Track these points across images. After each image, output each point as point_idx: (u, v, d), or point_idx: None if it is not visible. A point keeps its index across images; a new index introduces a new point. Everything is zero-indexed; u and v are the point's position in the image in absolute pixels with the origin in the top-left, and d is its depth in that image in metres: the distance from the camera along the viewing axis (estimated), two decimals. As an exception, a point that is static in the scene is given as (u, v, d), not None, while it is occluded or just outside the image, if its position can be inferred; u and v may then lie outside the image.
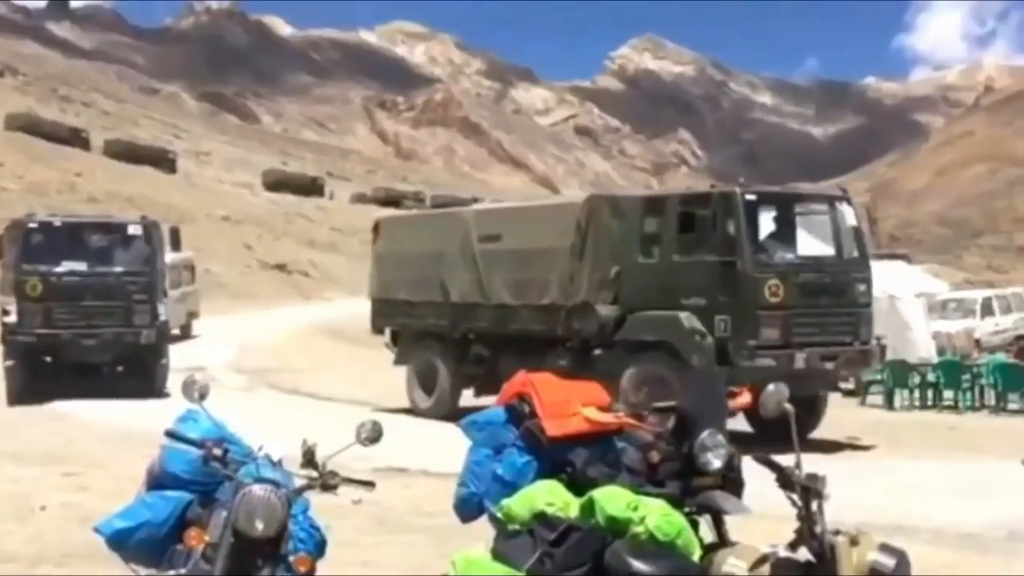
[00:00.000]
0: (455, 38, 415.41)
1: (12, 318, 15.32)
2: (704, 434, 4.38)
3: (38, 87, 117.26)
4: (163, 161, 76.24)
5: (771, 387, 3.92)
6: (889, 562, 3.50)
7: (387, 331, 16.61)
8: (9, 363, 15.83)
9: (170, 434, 4.12)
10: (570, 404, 4.73)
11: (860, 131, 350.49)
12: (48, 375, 15.97)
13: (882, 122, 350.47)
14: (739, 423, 7.03)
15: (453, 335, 15.01)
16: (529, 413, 4.74)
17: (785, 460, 3.72)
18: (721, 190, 12.47)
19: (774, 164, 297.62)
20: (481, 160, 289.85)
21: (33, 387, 15.47)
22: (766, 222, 12.49)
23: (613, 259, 13.02)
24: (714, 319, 11.77)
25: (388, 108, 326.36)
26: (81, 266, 16.03)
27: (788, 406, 3.87)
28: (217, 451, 3.93)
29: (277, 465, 4.05)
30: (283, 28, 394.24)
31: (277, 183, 78.25)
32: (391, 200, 76.06)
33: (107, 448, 11.47)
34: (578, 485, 4.37)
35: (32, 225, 16.26)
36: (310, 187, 79.82)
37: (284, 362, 22.87)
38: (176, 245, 20.23)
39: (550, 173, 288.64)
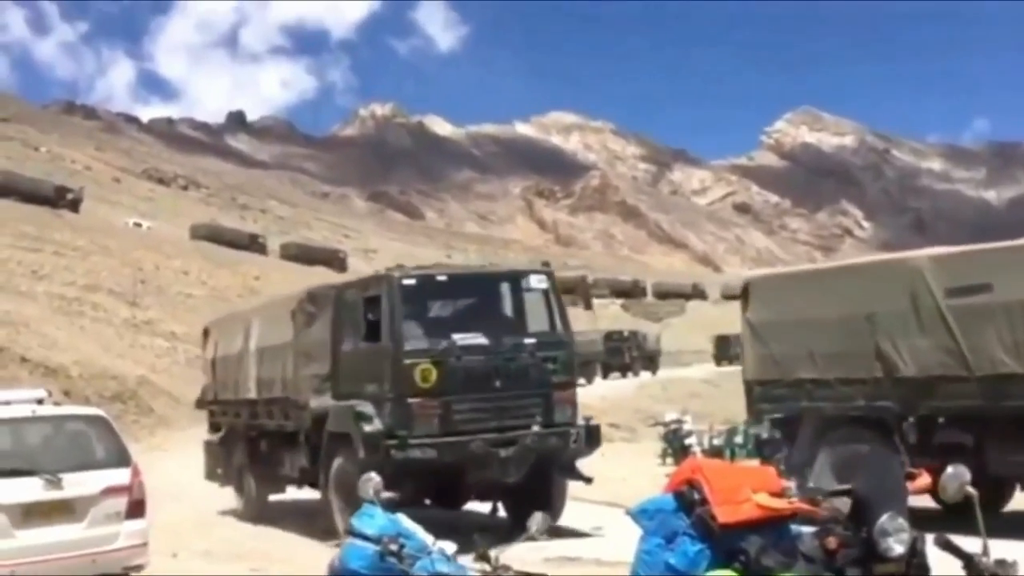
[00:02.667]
0: (609, 124, 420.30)
1: (373, 425, 11.01)
2: (884, 518, 4.21)
3: (219, 197, 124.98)
4: (334, 260, 79.58)
5: (951, 470, 3.76)
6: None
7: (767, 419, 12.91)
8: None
9: (349, 531, 4.26)
10: (741, 490, 4.63)
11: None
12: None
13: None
14: (924, 499, 6.64)
15: (905, 418, 11.40)
16: (699, 500, 4.66)
17: (972, 543, 3.55)
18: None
19: (946, 231, 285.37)
20: (640, 242, 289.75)
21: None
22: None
23: None
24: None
25: (546, 197, 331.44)
26: (479, 339, 11.38)
27: (971, 489, 3.70)
28: (393, 546, 4.04)
29: (451, 559, 4.13)
30: (442, 126, 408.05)
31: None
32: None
33: (290, 544, 11.84)
34: (752, 574, 4.27)
35: (408, 281, 11.50)
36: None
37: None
38: None
39: (710, 252, 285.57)
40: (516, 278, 12.51)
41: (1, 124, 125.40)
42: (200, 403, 17.02)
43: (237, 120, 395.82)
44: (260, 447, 14.23)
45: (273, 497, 14.83)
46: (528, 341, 11.63)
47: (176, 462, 20.37)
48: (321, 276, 69.43)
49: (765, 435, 8.03)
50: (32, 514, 7.73)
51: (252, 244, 76.72)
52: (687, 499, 4.69)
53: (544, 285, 12.14)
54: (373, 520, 4.38)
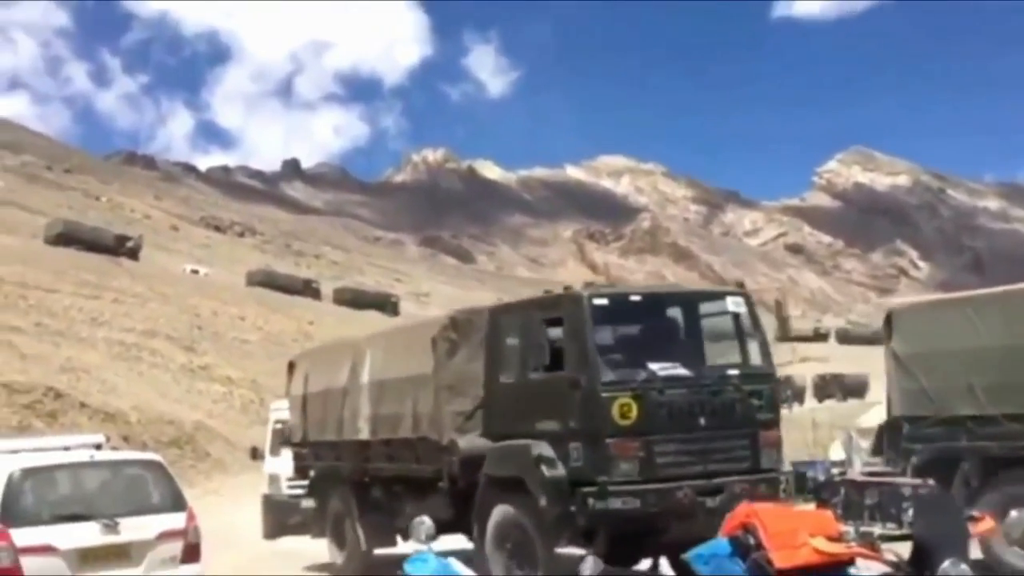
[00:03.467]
0: (660, 167, 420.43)
1: (556, 469, 9.49)
2: (946, 564, 4.12)
3: (274, 244, 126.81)
4: (387, 304, 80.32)
5: (1015, 514, 3.66)
6: None
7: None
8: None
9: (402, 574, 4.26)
10: (798, 534, 4.57)
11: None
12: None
13: None
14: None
15: None
16: (755, 545, 4.60)
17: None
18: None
19: (1004, 271, 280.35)
20: (692, 284, 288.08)
21: None
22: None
23: None
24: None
25: (597, 239, 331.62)
26: (679, 369, 9.91)
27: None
28: (446, 589, 4.03)
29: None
30: (493, 170, 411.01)
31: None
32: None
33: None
34: (811, 621, 4.18)
35: (600, 301, 9.94)
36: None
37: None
38: None
39: (763, 293, 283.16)
40: (714, 298, 10.93)
41: (64, 175, 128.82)
42: (290, 444, 14.90)
43: (292, 167, 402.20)
44: (371, 494, 12.51)
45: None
46: (732, 372, 10.06)
47: (231, 506, 20.53)
48: (374, 320, 70.13)
49: (822, 477, 7.22)
50: (89, 559, 7.82)
51: (306, 289, 77.66)
52: (742, 543, 4.63)
53: (742, 309, 10.49)
54: (426, 564, 4.38)
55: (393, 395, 11.64)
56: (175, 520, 8.32)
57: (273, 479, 16.24)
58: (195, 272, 77.58)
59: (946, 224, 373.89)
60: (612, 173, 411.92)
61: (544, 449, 9.49)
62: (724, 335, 10.57)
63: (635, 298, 10.70)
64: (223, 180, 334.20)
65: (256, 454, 17.05)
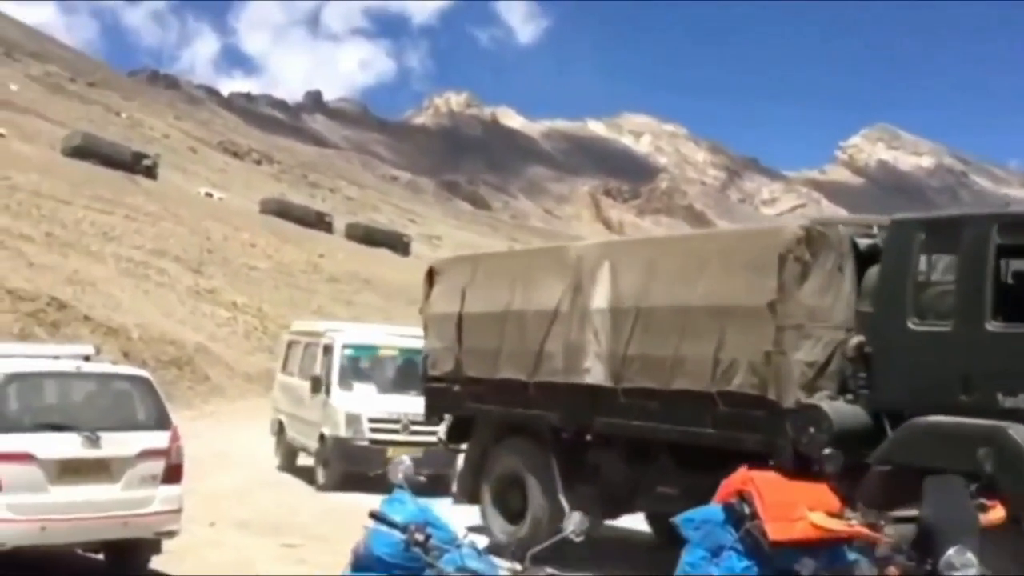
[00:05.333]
0: (682, 128, 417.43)
1: None
2: (952, 551, 3.89)
3: (291, 174, 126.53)
4: (398, 244, 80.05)
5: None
6: None
7: None
8: None
9: (374, 515, 4.05)
10: (795, 507, 4.35)
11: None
12: None
13: None
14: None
15: None
16: (750, 514, 4.38)
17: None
18: None
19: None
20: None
21: None
22: None
23: None
24: None
25: (613, 196, 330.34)
26: None
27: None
28: (419, 536, 3.82)
29: (482, 553, 3.91)
30: (514, 119, 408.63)
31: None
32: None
33: (331, 519, 11.72)
34: (803, 598, 3.95)
35: None
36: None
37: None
38: None
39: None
40: None
41: (87, 88, 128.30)
42: (427, 380, 11.46)
43: (314, 99, 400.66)
44: (588, 458, 9.61)
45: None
46: None
47: (227, 431, 20.49)
48: (385, 258, 70.00)
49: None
50: (67, 471, 7.66)
51: (319, 222, 77.45)
52: (736, 512, 4.42)
53: None
54: (404, 507, 4.17)
55: (670, 329, 8.44)
56: (158, 439, 8.14)
57: (352, 420, 13.93)
58: (209, 195, 77.44)
59: (966, 209, 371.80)
60: (634, 130, 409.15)
61: None
62: None
63: None
64: (244, 107, 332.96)
65: (318, 385, 14.43)
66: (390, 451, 12.89)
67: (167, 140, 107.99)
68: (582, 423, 9.38)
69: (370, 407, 14.03)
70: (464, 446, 11.24)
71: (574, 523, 3.92)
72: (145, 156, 71.98)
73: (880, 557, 4.13)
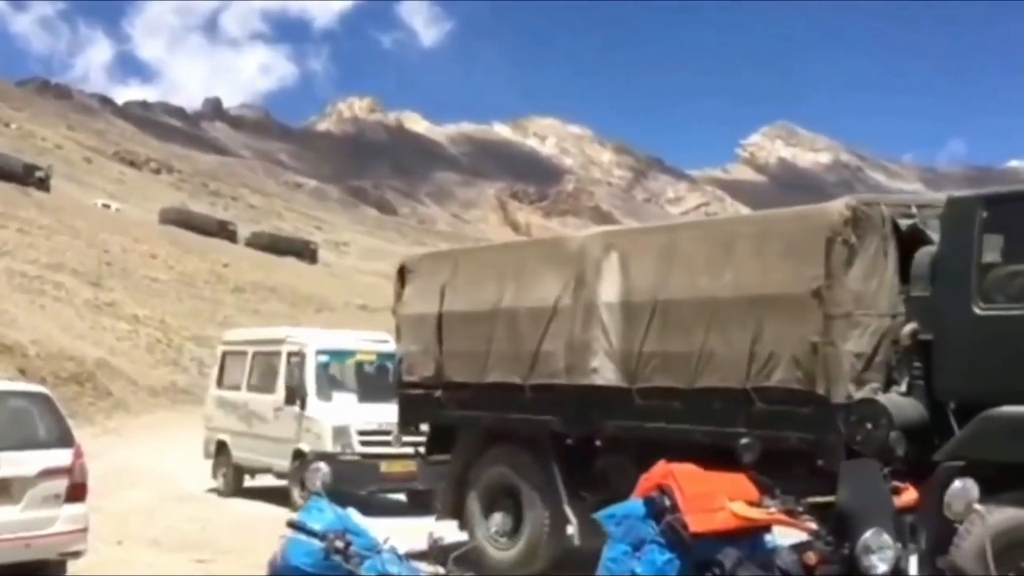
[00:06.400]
0: (587, 130, 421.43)
1: None
2: (868, 534, 3.95)
3: (191, 183, 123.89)
4: (305, 251, 79.04)
5: (958, 484, 3.43)
6: None
7: None
8: None
9: (292, 524, 3.95)
10: (715, 497, 4.37)
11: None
12: None
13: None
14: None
15: None
16: (671, 507, 4.39)
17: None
18: None
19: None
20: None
21: None
22: None
23: None
24: None
25: (520, 199, 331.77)
26: None
27: (980, 507, 3.40)
28: (339, 543, 3.74)
29: (403, 559, 3.84)
30: (419, 123, 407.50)
31: (412, 273, 79.83)
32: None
33: (241, 534, 11.47)
34: (726, 588, 3.97)
35: None
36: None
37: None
38: None
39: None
40: None
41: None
42: (401, 386, 10.36)
43: (213, 106, 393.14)
44: (596, 465, 8.58)
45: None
46: None
47: (132, 447, 19.95)
48: (291, 266, 69.02)
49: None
50: None
51: (221, 231, 76.05)
52: (657, 505, 4.43)
53: None
54: (322, 515, 4.07)
55: (694, 322, 7.70)
56: (61, 456, 7.84)
57: (340, 432, 12.83)
58: (107, 207, 75.40)
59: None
60: (539, 133, 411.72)
61: None
62: None
63: None
64: (141, 116, 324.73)
65: (293, 397, 13.31)
66: (383, 465, 12.08)
67: (61, 151, 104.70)
68: (590, 427, 8.57)
69: (357, 418, 12.93)
70: (445, 458, 10.04)
71: (496, 524, 3.88)
72: (37, 168, 69.71)
73: (799, 544, 4.17)
